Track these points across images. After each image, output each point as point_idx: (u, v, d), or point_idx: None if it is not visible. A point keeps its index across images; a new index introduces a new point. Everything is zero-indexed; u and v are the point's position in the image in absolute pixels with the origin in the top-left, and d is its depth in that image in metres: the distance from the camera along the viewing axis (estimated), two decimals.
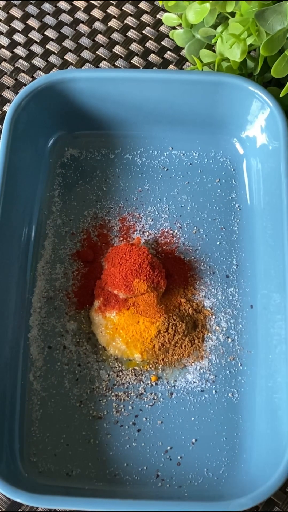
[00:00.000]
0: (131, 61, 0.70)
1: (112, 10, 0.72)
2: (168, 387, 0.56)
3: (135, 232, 0.62)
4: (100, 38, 0.71)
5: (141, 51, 0.71)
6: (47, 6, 0.73)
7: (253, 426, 0.55)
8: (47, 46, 0.71)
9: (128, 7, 0.72)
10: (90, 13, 0.72)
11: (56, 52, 0.71)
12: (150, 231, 0.62)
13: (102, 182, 0.64)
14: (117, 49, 0.71)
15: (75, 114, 0.63)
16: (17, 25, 0.72)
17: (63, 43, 0.71)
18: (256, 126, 0.62)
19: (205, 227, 0.62)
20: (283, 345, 0.53)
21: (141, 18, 0.72)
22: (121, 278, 0.57)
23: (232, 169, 0.64)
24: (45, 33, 0.72)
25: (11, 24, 0.72)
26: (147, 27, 0.71)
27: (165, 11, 0.66)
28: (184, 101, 0.62)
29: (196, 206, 0.62)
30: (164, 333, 0.57)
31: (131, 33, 0.71)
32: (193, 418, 0.55)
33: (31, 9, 0.72)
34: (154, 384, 0.56)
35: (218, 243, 0.61)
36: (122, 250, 0.58)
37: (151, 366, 0.57)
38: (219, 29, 0.61)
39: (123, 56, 0.70)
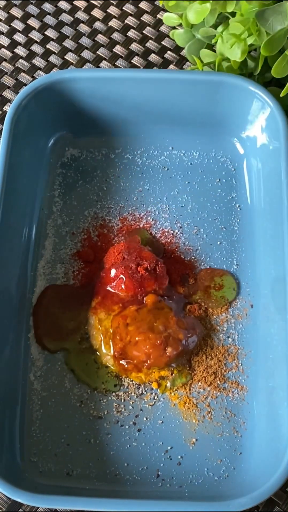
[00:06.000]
0: (132, 61, 0.70)
1: (112, 10, 0.72)
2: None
3: None
4: (100, 38, 0.71)
5: (142, 51, 0.71)
6: (47, 6, 0.73)
7: (253, 426, 0.55)
8: (47, 46, 0.71)
9: (128, 7, 0.72)
10: (91, 13, 0.72)
11: (56, 52, 0.71)
12: (150, 231, 0.62)
13: (102, 182, 0.64)
14: (118, 49, 0.71)
15: (75, 114, 0.63)
16: (18, 25, 0.72)
17: (63, 43, 0.71)
18: (256, 126, 0.62)
19: (205, 227, 0.62)
20: (284, 345, 0.53)
21: (141, 18, 0.72)
22: (121, 277, 0.57)
23: (233, 169, 0.64)
24: (45, 33, 0.72)
25: (11, 24, 0.72)
26: (147, 27, 0.71)
27: (165, 11, 0.66)
28: (184, 101, 0.62)
29: (196, 206, 0.62)
30: None
31: (131, 33, 0.71)
32: (193, 419, 0.55)
33: (32, 9, 0.73)
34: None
35: (219, 243, 0.61)
36: (122, 249, 0.58)
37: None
38: (220, 29, 0.61)
39: (123, 56, 0.70)
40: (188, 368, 0.56)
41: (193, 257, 0.61)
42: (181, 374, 0.56)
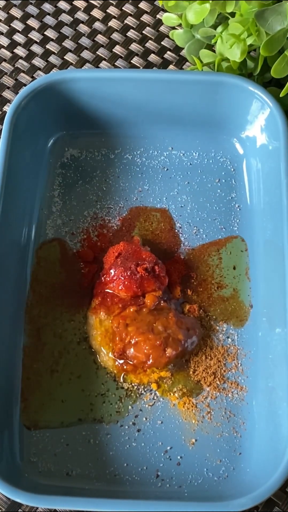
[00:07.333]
0: (131, 61, 0.70)
1: (112, 10, 0.72)
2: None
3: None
4: (100, 38, 0.71)
5: (141, 51, 0.71)
6: (47, 6, 0.73)
7: (253, 426, 0.55)
8: (47, 46, 0.71)
9: (128, 7, 0.72)
10: (90, 13, 0.72)
11: (56, 52, 0.71)
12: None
13: (102, 182, 0.64)
14: (117, 49, 0.71)
15: (75, 114, 0.63)
16: (17, 25, 0.72)
17: (63, 43, 0.71)
18: (256, 126, 0.62)
19: (204, 227, 0.62)
20: (283, 344, 0.53)
21: (141, 18, 0.72)
22: (121, 277, 0.57)
23: (232, 169, 0.64)
24: (45, 33, 0.72)
25: (11, 24, 0.72)
26: (147, 27, 0.71)
27: (165, 11, 0.66)
28: (184, 101, 0.62)
29: (196, 206, 0.62)
30: None
31: (131, 33, 0.71)
32: (193, 419, 0.55)
33: (31, 9, 0.73)
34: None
35: None
36: (121, 249, 0.58)
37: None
38: (219, 29, 0.61)
39: (123, 56, 0.70)
40: (186, 368, 0.56)
41: (193, 257, 0.61)
42: (180, 379, 0.56)
